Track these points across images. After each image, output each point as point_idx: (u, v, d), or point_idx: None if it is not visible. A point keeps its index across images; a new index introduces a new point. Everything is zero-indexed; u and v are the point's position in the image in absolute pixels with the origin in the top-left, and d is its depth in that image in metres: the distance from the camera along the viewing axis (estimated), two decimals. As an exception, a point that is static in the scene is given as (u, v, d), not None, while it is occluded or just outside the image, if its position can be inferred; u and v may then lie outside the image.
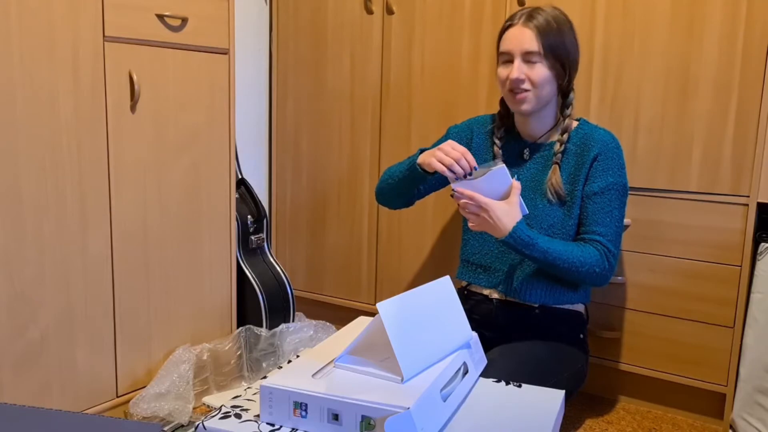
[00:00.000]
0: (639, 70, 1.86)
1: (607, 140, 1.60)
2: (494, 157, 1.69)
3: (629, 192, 1.89)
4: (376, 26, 2.28)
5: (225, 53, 1.96)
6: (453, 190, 1.53)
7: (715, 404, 1.91)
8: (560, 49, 1.56)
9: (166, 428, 1.75)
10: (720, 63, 1.76)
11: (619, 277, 1.95)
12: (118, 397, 1.79)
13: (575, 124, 1.66)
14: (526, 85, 1.57)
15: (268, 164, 2.65)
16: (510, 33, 1.58)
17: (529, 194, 1.63)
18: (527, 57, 1.55)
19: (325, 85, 2.42)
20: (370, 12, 2.29)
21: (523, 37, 1.55)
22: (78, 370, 1.68)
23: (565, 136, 1.62)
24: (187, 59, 1.85)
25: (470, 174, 1.51)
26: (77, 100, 1.60)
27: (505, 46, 1.59)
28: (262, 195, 2.63)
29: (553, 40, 1.54)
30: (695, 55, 1.79)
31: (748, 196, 1.76)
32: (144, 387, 1.83)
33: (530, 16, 1.55)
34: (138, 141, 1.76)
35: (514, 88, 1.57)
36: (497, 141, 1.69)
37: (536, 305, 1.63)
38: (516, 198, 1.51)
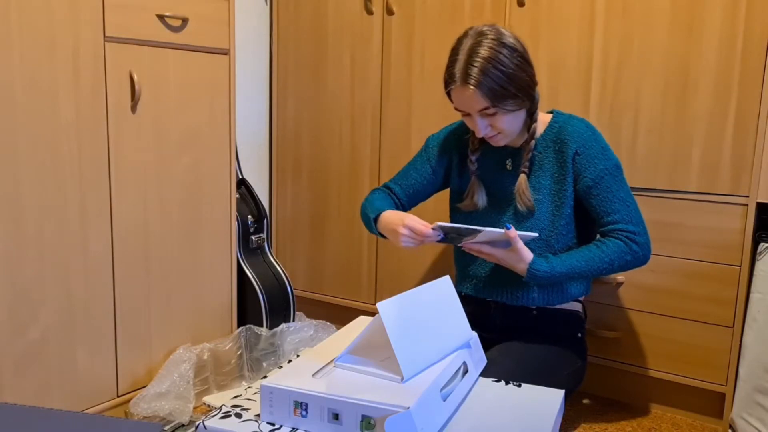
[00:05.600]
0: (639, 71, 1.86)
1: (581, 130, 1.57)
2: (470, 175, 1.67)
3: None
4: (376, 27, 2.28)
5: (225, 53, 1.96)
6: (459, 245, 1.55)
7: (714, 404, 1.91)
8: (510, 88, 1.46)
9: (166, 428, 1.75)
10: (719, 63, 1.76)
11: (619, 277, 1.95)
12: (118, 396, 1.80)
13: (548, 118, 1.62)
14: (494, 131, 1.54)
15: (268, 164, 2.66)
16: (455, 95, 1.50)
17: (516, 205, 1.61)
18: (483, 112, 1.49)
19: (326, 86, 2.43)
20: (370, 12, 2.29)
21: (469, 100, 1.47)
22: (78, 370, 1.69)
23: (532, 143, 1.58)
24: (188, 59, 1.86)
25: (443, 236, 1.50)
26: (78, 100, 1.61)
27: (456, 105, 1.53)
28: (262, 195, 2.63)
29: (498, 87, 1.45)
30: (695, 55, 1.79)
31: (748, 196, 1.76)
32: (144, 387, 1.83)
33: (466, 74, 1.45)
34: (138, 141, 1.76)
35: (485, 136, 1.56)
36: (472, 158, 1.66)
37: (534, 308, 1.63)
38: (518, 245, 1.47)
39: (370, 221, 1.65)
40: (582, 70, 1.94)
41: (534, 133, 1.59)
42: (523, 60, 1.49)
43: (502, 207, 1.63)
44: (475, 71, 1.44)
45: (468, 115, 1.53)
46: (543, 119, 1.62)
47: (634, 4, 1.85)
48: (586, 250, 1.53)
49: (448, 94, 1.53)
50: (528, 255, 1.49)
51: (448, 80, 1.50)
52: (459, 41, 1.51)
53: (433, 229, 1.48)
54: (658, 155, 1.86)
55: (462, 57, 1.47)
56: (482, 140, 1.66)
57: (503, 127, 1.52)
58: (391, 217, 1.57)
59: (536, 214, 1.58)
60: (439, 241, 1.52)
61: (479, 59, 1.45)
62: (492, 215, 1.64)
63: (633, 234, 1.53)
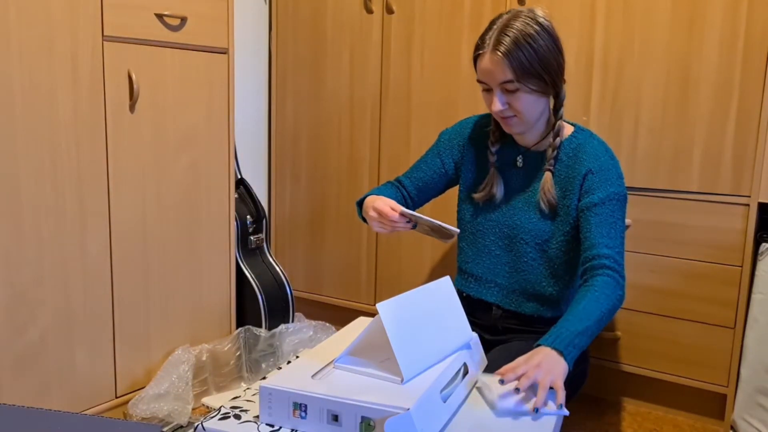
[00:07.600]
0: (639, 70, 1.86)
1: (600, 153, 1.54)
2: (489, 166, 1.65)
3: (630, 193, 1.89)
4: (376, 26, 2.28)
5: (224, 53, 1.96)
6: None
7: (716, 405, 1.91)
8: (537, 67, 1.46)
9: (165, 429, 1.75)
10: (720, 63, 1.76)
11: (620, 278, 1.94)
12: (117, 397, 1.79)
13: (570, 129, 1.60)
14: (511, 112, 1.51)
15: (267, 164, 2.65)
16: (482, 63, 1.49)
17: (520, 205, 1.59)
18: (505, 86, 1.48)
19: (325, 85, 2.42)
20: (369, 11, 2.28)
21: (495, 68, 1.46)
22: (77, 371, 1.68)
23: (558, 140, 1.56)
24: (186, 59, 1.85)
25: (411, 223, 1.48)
26: (76, 99, 1.60)
27: (480, 76, 1.52)
28: (261, 195, 2.62)
29: (526, 61, 1.45)
30: (696, 55, 1.78)
31: (749, 196, 1.76)
32: (143, 388, 1.82)
33: (497, 41, 1.46)
34: (137, 141, 1.75)
35: (500, 116, 1.54)
36: (492, 149, 1.64)
37: (535, 315, 1.62)
38: (534, 355, 1.27)
39: (358, 208, 1.65)
40: (582, 69, 1.93)
41: (558, 132, 1.56)
42: (555, 45, 1.50)
43: (512, 202, 1.61)
44: (507, 40, 1.45)
45: (489, 90, 1.52)
46: (563, 127, 1.59)
47: (635, 2, 1.84)
48: (586, 304, 1.38)
49: (475, 63, 1.53)
50: (550, 350, 1.28)
51: (479, 45, 1.50)
52: (498, 17, 1.52)
53: (400, 214, 1.47)
54: (658, 155, 1.86)
55: (497, 27, 1.48)
56: (501, 134, 1.65)
57: (521, 108, 1.49)
58: (368, 201, 1.56)
59: (544, 225, 1.56)
60: (413, 228, 1.51)
61: (513, 30, 1.46)
62: (504, 208, 1.63)
63: (620, 267, 1.45)
